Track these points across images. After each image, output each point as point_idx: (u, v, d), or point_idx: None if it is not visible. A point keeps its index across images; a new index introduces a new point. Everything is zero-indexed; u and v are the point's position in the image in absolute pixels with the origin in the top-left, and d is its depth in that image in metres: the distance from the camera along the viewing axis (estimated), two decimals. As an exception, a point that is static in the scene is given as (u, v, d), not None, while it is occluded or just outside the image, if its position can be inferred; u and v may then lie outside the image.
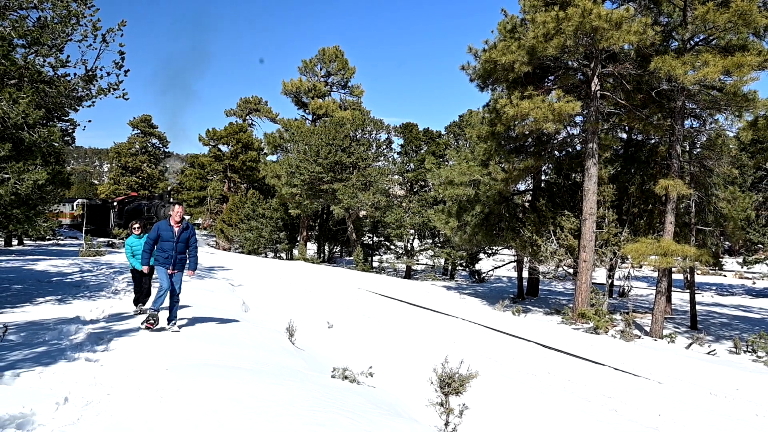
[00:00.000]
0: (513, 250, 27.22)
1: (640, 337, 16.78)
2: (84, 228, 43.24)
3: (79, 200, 53.93)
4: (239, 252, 47.72)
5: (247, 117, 58.28)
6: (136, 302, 11.41)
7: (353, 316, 16.00)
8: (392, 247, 41.94)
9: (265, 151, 54.46)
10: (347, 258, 44.88)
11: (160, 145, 70.88)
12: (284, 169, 39.05)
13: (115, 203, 48.56)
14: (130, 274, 12.31)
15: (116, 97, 12.89)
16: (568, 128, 21.16)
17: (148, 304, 10.75)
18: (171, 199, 41.67)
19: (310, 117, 45.87)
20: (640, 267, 25.71)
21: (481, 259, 35.93)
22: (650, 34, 16.07)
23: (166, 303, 9.41)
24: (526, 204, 25.09)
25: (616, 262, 20.51)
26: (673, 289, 22.99)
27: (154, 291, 11.42)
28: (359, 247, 38.48)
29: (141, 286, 11.29)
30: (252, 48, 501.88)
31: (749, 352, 14.91)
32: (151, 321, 9.21)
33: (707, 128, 20.04)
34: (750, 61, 14.80)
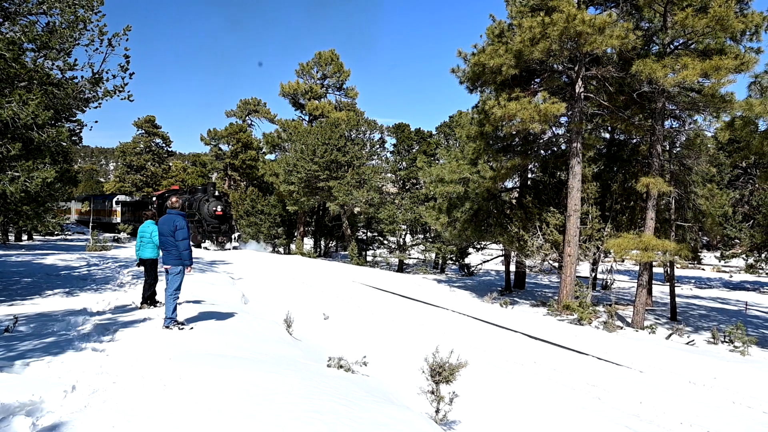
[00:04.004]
0: (501, 245, 27.23)
1: (622, 328, 16.85)
2: (88, 223, 42.25)
3: (119, 197, 52.76)
4: (239, 247, 47.59)
5: (247, 117, 58.06)
6: (149, 299, 11.19)
7: (348, 308, 16.01)
8: (385, 242, 41.97)
9: (263, 150, 54.34)
10: (342, 252, 44.86)
11: (164, 145, 70.77)
12: (282, 167, 39.02)
13: (153, 198, 45.72)
14: (138, 268, 11.71)
15: (121, 99, 12.90)
16: (554, 128, 21.19)
17: (160, 309, 10.42)
18: (216, 192, 39.19)
19: (306, 118, 45.78)
20: (623, 261, 25.85)
21: (470, 254, 36.00)
22: (632, 39, 16.12)
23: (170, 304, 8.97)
24: (514, 201, 25.12)
25: (600, 257, 20.61)
26: (653, 282, 23.09)
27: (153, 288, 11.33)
28: (354, 242, 38.50)
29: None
30: (251, 51, 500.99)
31: (726, 342, 14.99)
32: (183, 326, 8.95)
33: (686, 128, 20.12)
34: (727, 64, 14.87)
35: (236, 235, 38.86)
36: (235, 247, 38.12)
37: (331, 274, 26.31)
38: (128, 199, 52.07)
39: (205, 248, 36.10)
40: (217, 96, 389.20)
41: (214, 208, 36.73)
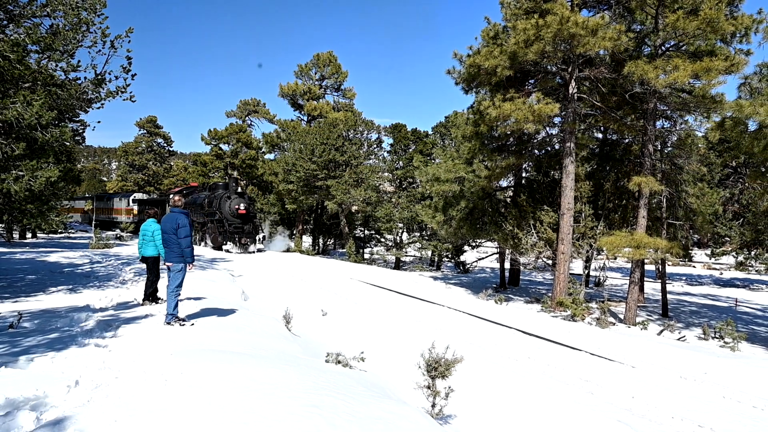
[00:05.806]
0: (496, 243, 27.24)
1: (614, 324, 16.87)
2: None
3: (136, 195, 52.23)
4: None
5: (247, 118, 57.87)
6: (151, 296, 11.22)
7: (346, 305, 16.02)
8: (382, 239, 41.98)
9: (263, 149, 54.31)
10: (340, 250, 44.83)
11: (165, 145, 70.76)
12: (281, 166, 39.08)
13: (170, 195, 43.61)
14: (143, 265, 11.71)
15: (123, 100, 12.93)
16: (547, 128, 21.19)
17: (161, 306, 10.50)
18: (238, 188, 34.77)
19: (305, 118, 45.77)
20: (615, 258, 25.91)
21: (465, 251, 35.99)
22: (624, 41, 16.13)
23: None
24: (508, 199, 25.12)
25: (593, 254, 20.62)
26: (645, 279, 23.12)
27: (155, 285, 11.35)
28: (351, 240, 38.50)
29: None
30: (251, 53, 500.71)
31: (717, 338, 15.01)
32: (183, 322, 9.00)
33: (678, 128, 20.15)
34: (717, 65, 14.88)
35: (261, 236, 34.79)
36: (260, 250, 34.25)
37: (329, 271, 26.30)
38: (145, 197, 51.84)
39: (227, 251, 32.18)
40: (219, 96, 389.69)
41: (237, 206, 32.96)
